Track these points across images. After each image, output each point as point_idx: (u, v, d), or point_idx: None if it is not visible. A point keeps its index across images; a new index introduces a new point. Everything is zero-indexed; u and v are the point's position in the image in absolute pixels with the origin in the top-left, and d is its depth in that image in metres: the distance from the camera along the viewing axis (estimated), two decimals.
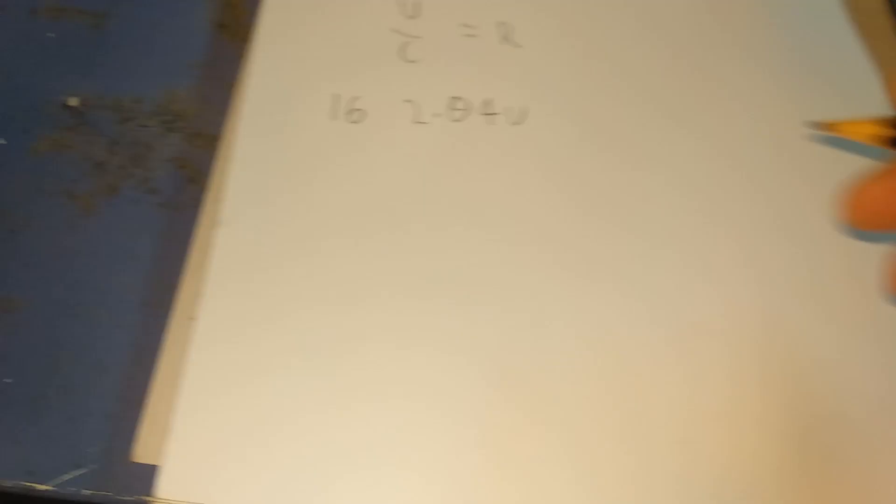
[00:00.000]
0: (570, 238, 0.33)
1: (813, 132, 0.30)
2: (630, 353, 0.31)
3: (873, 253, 0.32)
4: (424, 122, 0.36)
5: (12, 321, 0.32)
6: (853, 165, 0.32)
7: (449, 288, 0.32)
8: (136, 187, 0.35)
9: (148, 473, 0.30)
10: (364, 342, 0.31)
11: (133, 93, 0.37)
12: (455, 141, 0.35)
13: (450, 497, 0.29)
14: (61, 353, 0.32)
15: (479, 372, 0.31)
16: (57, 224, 0.34)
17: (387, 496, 0.29)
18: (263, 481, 0.29)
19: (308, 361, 0.31)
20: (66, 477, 0.30)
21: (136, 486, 0.30)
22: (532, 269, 0.33)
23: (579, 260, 0.33)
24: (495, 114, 0.36)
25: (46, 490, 0.30)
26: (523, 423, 0.30)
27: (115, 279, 0.33)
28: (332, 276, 0.32)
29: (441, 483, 0.29)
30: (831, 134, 0.27)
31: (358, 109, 0.36)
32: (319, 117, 0.36)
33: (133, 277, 0.33)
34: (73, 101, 0.37)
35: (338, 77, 0.37)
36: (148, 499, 0.29)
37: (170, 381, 0.31)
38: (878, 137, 0.25)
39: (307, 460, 0.29)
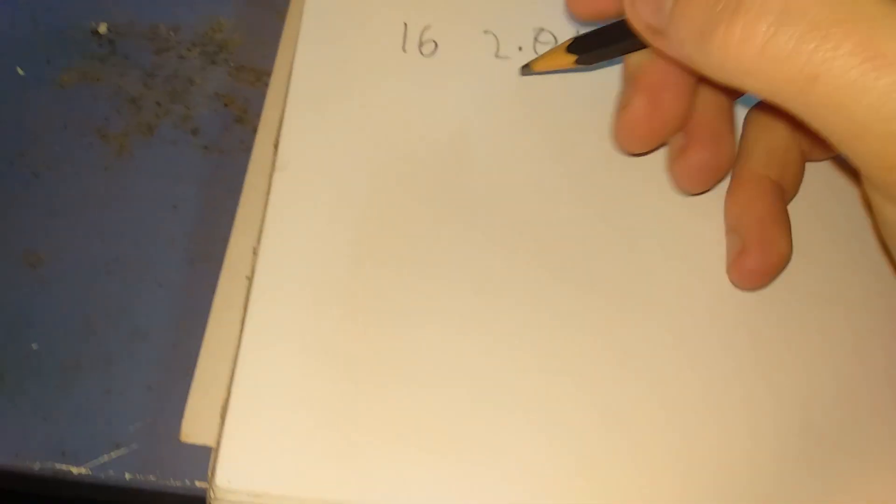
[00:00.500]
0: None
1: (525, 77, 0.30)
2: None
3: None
4: (506, 57, 0.31)
5: (38, 278, 0.28)
6: None
7: (526, 247, 0.28)
8: (176, 126, 0.31)
9: (198, 455, 0.26)
10: (447, 309, 0.27)
11: (170, 19, 0.33)
12: (541, 80, 0.31)
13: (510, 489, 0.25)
14: (95, 315, 0.28)
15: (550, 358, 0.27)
16: (86, 167, 0.30)
17: (464, 489, 0.25)
18: (337, 468, 0.25)
19: (380, 328, 0.26)
20: (104, 458, 0.26)
21: (185, 470, 0.26)
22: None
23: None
24: None
25: (81, 473, 0.26)
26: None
27: (154, 231, 0.29)
28: (404, 228, 0.28)
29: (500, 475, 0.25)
30: (535, 72, 0.30)
31: (430, 40, 0.31)
32: (386, 49, 0.31)
33: (175, 229, 0.29)
34: (103, 28, 0.32)
35: (407, 3, 0.32)
36: (200, 484, 0.25)
37: (220, 348, 0.27)
38: (563, 61, 0.29)
39: (386, 443, 0.25)
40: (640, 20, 0.25)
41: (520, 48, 0.31)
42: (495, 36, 0.32)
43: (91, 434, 0.26)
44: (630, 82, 0.27)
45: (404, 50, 0.31)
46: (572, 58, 0.28)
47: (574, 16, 0.28)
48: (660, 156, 0.29)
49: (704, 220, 0.29)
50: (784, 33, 0.19)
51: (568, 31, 0.32)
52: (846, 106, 0.18)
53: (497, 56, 0.31)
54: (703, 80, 0.26)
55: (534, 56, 0.31)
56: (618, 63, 0.30)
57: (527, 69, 0.30)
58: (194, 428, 0.26)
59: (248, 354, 0.26)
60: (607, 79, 0.31)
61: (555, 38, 0.32)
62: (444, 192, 0.29)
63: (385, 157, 0.29)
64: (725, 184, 0.29)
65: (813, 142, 0.27)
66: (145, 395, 0.27)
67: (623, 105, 0.27)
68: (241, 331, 0.26)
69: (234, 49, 0.32)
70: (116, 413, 0.26)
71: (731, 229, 0.28)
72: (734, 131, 0.28)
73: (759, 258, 0.27)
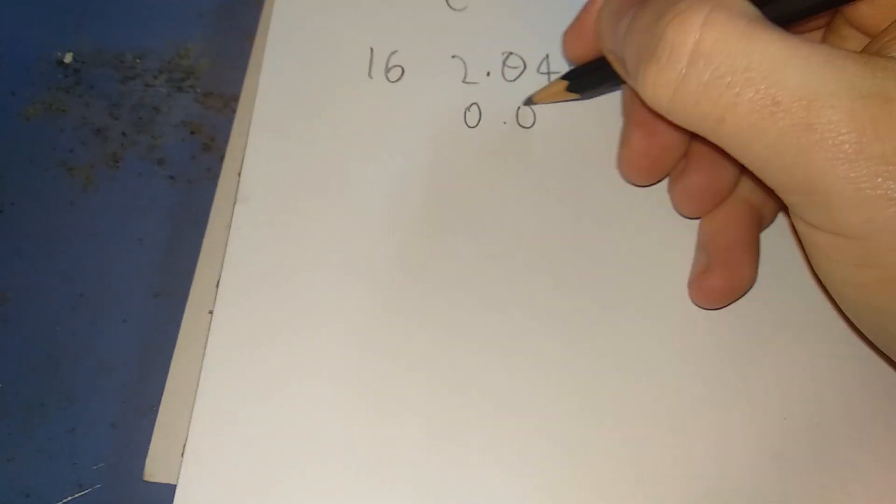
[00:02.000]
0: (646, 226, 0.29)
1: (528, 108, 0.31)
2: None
3: None
4: (474, 82, 0.31)
5: (2, 315, 0.28)
6: None
7: (499, 283, 0.28)
8: (142, 157, 0.31)
9: (162, 494, 0.26)
10: (405, 340, 0.27)
11: (136, 46, 0.32)
12: (510, 104, 0.30)
13: None
14: (59, 352, 0.28)
15: (521, 379, 0.26)
16: (52, 202, 0.30)
17: None
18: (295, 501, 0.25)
19: (343, 362, 0.26)
20: (67, 499, 0.26)
21: None
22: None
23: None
24: (556, 73, 0.31)
25: None
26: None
27: (119, 265, 0.29)
28: (370, 261, 0.28)
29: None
30: (535, 104, 0.30)
31: (397, 66, 0.31)
32: (353, 74, 0.31)
33: (141, 263, 0.29)
34: (68, 58, 0.32)
35: (373, 27, 0.32)
36: None
37: (184, 384, 0.27)
38: (562, 92, 0.29)
39: (346, 477, 0.25)
40: (604, 44, 0.25)
41: (488, 73, 0.31)
42: (463, 61, 0.31)
43: (55, 475, 0.26)
44: (627, 116, 0.28)
45: (370, 76, 0.31)
46: (565, 87, 0.29)
47: (569, 60, 0.29)
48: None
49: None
50: (692, 79, 0.20)
51: (537, 55, 0.31)
52: (750, 144, 0.20)
53: (465, 81, 0.31)
54: None
55: (502, 81, 0.31)
56: (615, 91, 0.30)
57: (529, 101, 0.30)
58: (158, 467, 0.26)
59: (205, 392, 0.26)
60: (579, 103, 0.30)
61: (524, 61, 0.31)
62: (412, 223, 0.28)
63: (351, 186, 0.29)
64: None
65: None
66: (109, 433, 0.27)
67: (622, 140, 0.28)
68: (201, 368, 0.26)
69: (201, 75, 0.32)
70: (80, 452, 0.26)
71: (702, 246, 0.28)
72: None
73: (721, 280, 0.27)
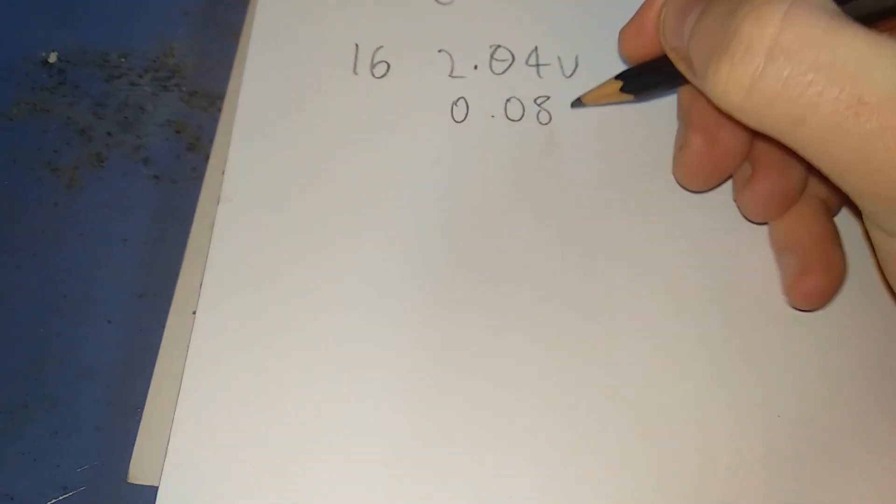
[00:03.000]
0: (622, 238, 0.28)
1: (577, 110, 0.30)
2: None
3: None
4: (461, 76, 0.30)
5: None
6: None
7: (486, 277, 0.27)
8: (127, 156, 0.30)
9: (146, 496, 0.25)
10: (388, 341, 0.26)
11: (121, 45, 0.32)
12: (497, 97, 0.30)
13: None
14: (43, 355, 0.27)
15: (503, 385, 0.26)
16: (36, 203, 0.29)
17: None
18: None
19: (326, 363, 0.26)
20: (51, 501, 0.26)
21: None
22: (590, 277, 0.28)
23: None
24: (544, 65, 0.31)
25: None
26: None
27: (104, 266, 0.29)
28: (353, 260, 0.27)
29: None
30: (585, 105, 0.29)
31: (383, 61, 0.31)
32: (337, 71, 0.30)
33: (125, 264, 0.29)
34: (53, 58, 0.32)
35: (358, 23, 0.31)
36: None
37: (168, 385, 0.27)
38: (615, 93, 0.28)
39: (328, 479, 0.25)
40: (666, 41, 0.24)
41: (475, 66, 0.31)
42: (450, 54, 0.31)
43: (39, 478, 0.26)
44: (685, 120, 0.27)
45: (356, 72, 0.30)
46: (619, 88, 0.28)
47: (626, 59, 0.27)
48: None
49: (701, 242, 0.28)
50: (770, 76, 0.19)
51: (525, 47, 0.31)
52: (831, 147, 0.19)
53: (451, 75, 0.30)
54: None
55: (490, 74, 0.30)
56: (669, 95, 0.29)
57: (578, 103, 0.29)
58: (142, 469, 0.26)
59: (188, 394, 0.25)
60: (570, 94, 0.30)
61: (512, 54, 0.31)
62: (399, 220, 0.28)
63: (336, 184, 0.29)
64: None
65: None
66: (94, 435, 0.27)
67: (680, 145, 0.27)
68: (184, 369, 0.26)
69: (186, 74, 0.32)
70: (64, 455, 0.26)
71: (786, 248, 0.27)
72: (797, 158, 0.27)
73: (822, 279, 0.26)
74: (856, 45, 0.18)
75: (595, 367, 0.26)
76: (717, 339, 0.27)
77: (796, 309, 0.27)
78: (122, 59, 0.32)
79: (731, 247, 0.28)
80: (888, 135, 0.18)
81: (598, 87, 0.29)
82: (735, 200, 0.28)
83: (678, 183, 0.28)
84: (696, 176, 0.27)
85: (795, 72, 0.19)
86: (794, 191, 0.26)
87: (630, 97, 0.28)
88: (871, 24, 0.21)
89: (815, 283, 0.26)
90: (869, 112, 0.18)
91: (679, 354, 0.26)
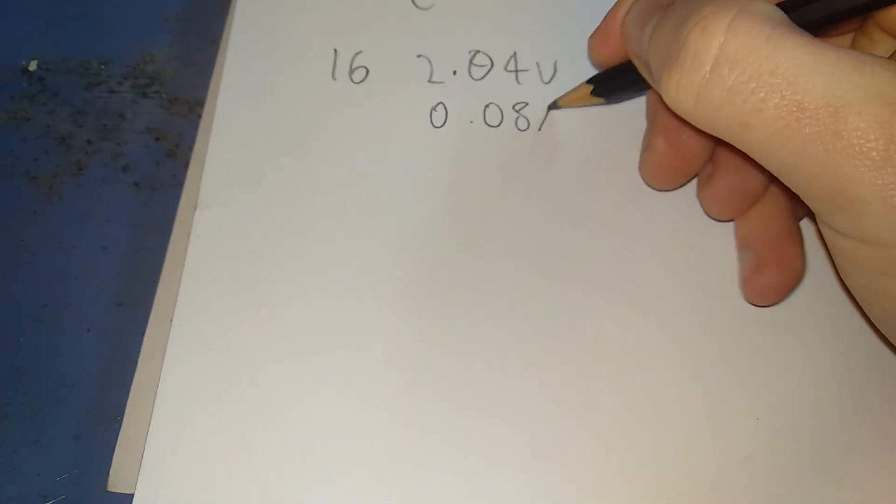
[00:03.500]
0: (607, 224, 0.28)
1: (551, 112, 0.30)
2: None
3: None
4: (440, 82, 0.30)
5: None
6: None
7: (462, 283, 0.27)
8: (106, 164, 0.30)
9: None
10: (364, 347, 0.26)
11: (101, 52, 0.32)
12: (476, 103, 0.30)
13: None
14: (23, 364, 0.27)
15: (484, 373, 0.26)
16: (15, 213, 0.30)
17: None
18: None
19: (301, 369, 0.26)
20: None
21: None
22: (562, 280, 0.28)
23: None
24: (524, 70, 0.31)
25: None
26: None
27: (84, 275, 0.29)
28: (331, 268, 0.27)
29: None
30: (561, 108, 0.30)
31: (361, 67, 0.31)
32: (316, 76, 0.30)
33: (105, 272, 0.29)
34: (33, 66, 0.32)
35: (337, 29, 0.31)
36: None
37: (149, 394, 0.27)
38: (587, 97, 0.28)
39: (303, 485, 0.25)
40: (630, 48, 0.25)
41: (454, 72, 0.31)
42: (429, 60, 0.31)
43: (19, 486, 0.26)
44: (650, 122, 0.28)
45: (334, 77, 0.30)
46: (589, 92, 0.28)
47: (595, 64, 0.28)
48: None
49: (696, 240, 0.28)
50: (716, 84, 0.20)
51: (504, 53, 0.31)
52: (776, 150, 0.20)
53: (430, 81, 0.30)
54: None
55: (469, 80, 0.30)
56: (639, 97, 0.29)
57: (554, 105, 0.30)
58: (122, 477, 0.26)
59: (164, 401, 0.26)
60: (543, 98, 0.30)
61: (491, 59, 0.31)
62: (377, 225, 0.28)
63: (314, 190, 0.29)
64: None
65: None
66: (74, 444, 0.27)
67: (645, 146, 0.28)
68: (160, 377, 0.26)
69: (166, 80, 0.32)
70: (44, 464, 0.26)
71: (745, 244, 0.28)
72: None
73: (777, 275, 0.26)
74: (796, 53, 0.19)
75: (571, 373, 0.26)
76: (695, 342, 0.27)
77: (752, 304, 0.27)
78: (102, 67, 0.32)
79: (709, 250, 0.28)
80: (826, 138, 0.19)
81: (572, 91, 0.29)
82: (697, 198, 0.28)
83: (645, 182, 0.28)
84: (660, 176, 0.28)
85: (739, 80, 0.19)
86: (753, 190, 0.27)
87: (601, 100, 0.29)
88: (822, 29, 0.21)
89: (770, 279, 0.26)
90: (808, 117, 0.19)
91: (657, 359, 0.27)
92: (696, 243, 0.28)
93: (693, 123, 0.21)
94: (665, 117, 0.26)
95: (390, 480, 0.25)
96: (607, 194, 0.29)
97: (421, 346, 0.26)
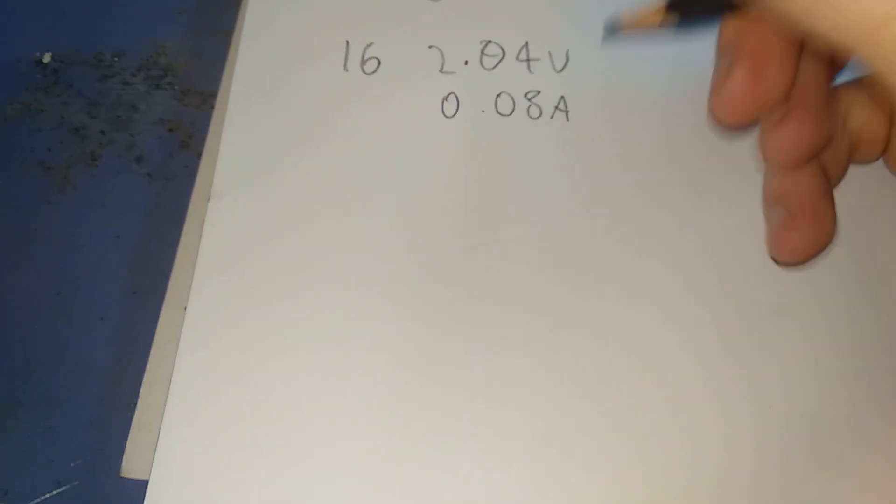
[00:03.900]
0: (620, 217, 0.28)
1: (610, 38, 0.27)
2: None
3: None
4: (452, 72, 0.30)
5: None
6: None
7: (475, 272, 0.27)
8: (120, 155, 0.31)
9: (139, 491, 0.25)
10: (376, 338, 0.26)
11: (114, 45, 0.32)
12: (488, 92, 0.30)
13: None
14: (36, 352, 0.28)
15: (493, 372, 0.26)
16: (29, 202, 0.30)
17: None
18: (265, 497, 0.24)
19: (314, 357, 0.26)
20: (45, 496, 0.26)
21: None
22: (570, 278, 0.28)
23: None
24: (535, 59, 0.31)
25: None
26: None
27: (97, 264, 0.29)
28: (343, 257, 0.27)
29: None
30: (620, 32, 0.27)
31: (373, 58, 0.31)
32: (328, 68, 0.30)
33: (118, 262, 0.29)
34: (47, 58, 0.32)
35: (349, 20, 0.31)
36: None
37: (162, 382, 0.27)
38: (657, 15, 0.26)
39: (315, 473, 0.25)
40: None
41: (466, 62, 0.31)
42: (440, 50, 0.31)
43: (33, 473, 0.26)
44: (729, 51, 0.25)
45: (346, 69, 0.30)
46: (662, 16, 0.26)
47: None
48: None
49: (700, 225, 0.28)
50: None
51: (516, 42, 0.31)
52: None
53: (442, 71, 0.31)
54: (803, 49, 0.25)
55: (480, 70, 0.30)
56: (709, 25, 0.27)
57: (613, 28, 0.27)
58: (135, 464, 0.26)
59: (177, 386, 0.26)
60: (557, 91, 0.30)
61: (502, 49, 0.31)
62: (390, 215, 0.28)
63: (327, 180, 0.29)
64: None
65: (863, 139, 0.27)
66: (87, 431, 0.27)
67: (722, 75, 0.25)
68: (174, 365, 0.26)
69: (179, 72, 0.32)
70: (58, 451, 0.26)
71: (777, 201, 0.26)
72: (832, 109, 0.26)
73: (809, 232, 0.25)
74: None
75: (580, 364, 0.26)
76: (707, 332, 0.27)
77: (778, 263, 0.26)
78: (116, 59, 0.32)
79: (721, 241, 0.28)
80: None
81: (640, 9, 0.26)
82: (759, 143, 0.26)
83: (714, 119, 0.26)
84: (734, 109, 0.25)
85: None
86: (824, 140, 0.25)
87: (672, 21, 0.26)
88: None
89: (802, 236, 0.25)
90: None
91: (668, 349, 0.26)
92: (709, 234, 0.28)
93: (810, 24, 0.19)
94: (750, 45, 0.24)
95: (400, 472, 0.25)
96: (620, 184, 0.29)
97: (433, 338, 0.26)
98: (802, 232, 0.25)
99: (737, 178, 0.29)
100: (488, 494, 0.25)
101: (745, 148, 0.29)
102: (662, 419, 0.25)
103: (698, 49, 0.26)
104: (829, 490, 0.25)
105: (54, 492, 0.26)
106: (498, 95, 0.30)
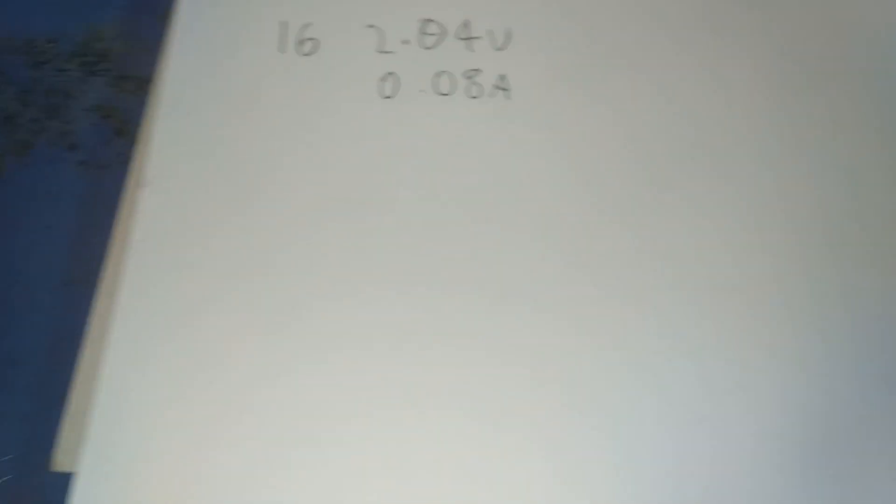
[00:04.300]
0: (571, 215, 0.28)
1: None
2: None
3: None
4: (391, 52, 0.30)
5: None
6: None
7: (412, 253, 0.27)
8: (53, 143, 0.30)
9: (71, 483, 0.25)
10: (312, 321, 0.26)
11: (49, 30, 0.32)
12: (427, 71, 0.29)
13: None
14: None
15: (450, 363, 0.25)
16: None
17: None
18: (196, 492, 0.24)
19: (249, 349, 0.26)
20: None
21: (55, 499, 0.25)
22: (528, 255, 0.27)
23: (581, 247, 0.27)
24: (475, 38, 0.30)
25: None
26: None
27: (30, 254, 0.28)
28: (278, 242, 0.27)
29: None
30: None
31: (311, 39, 0.30)
32: (264, 50, 0.30)
33: (51, 251, 0.28)
34: None
35: (286, 1, 0.31)
36: None
37: (94, 373, 0.26)
38: None
39: (246, 467, 0.24)
40: None
41: (405, 41, 0.30)
42: (379, 29, 0.30)
43: None
44: None
45: (282, 50, 0.30)
46: None
47: None
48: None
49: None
50: None
51: (455, 20, 0.30)
52: None
53: (381, 51, 0.30)
54: None
55: (420, 49, 0.30)
56: None
57: None
58: (67, 457, 0.26)
59: (108, 377, 0.25)
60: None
61: (442, 28, 0.30)
62: (327, 199, 0.28)
63: (263, 165, 0.28)
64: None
65: None
66: (19, 425, 0.26)
67: None
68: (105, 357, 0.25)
69: (115, 58, 0.31)
70: None
71: None
72: None
73: None
74: None
75: (572, 365, 0.25)
76: (704, 335, 0.26)
77: None
78: (50, 45, 0.31)
79: (724, 238, 0.27)
80: None
81: None
82: None
83: None
84: None
85: None
86: None
87: None
88: None
89: None
90: None
91: (664, 352, 0.26)
92: (714, 231, 0.27)
93: None
94: None
95: (384, 473, 0.24)
96: (560, 163, 0.28)
97: (371, 318, 0.26)
98: None
99: (689, 160, 0.28)
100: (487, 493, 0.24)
101: (692, 127, 0.29)
102: (657, 418, 0.25)
103: None
104: (829, 490, 0.24)
105: None
106: (437, 75, 0.30)
